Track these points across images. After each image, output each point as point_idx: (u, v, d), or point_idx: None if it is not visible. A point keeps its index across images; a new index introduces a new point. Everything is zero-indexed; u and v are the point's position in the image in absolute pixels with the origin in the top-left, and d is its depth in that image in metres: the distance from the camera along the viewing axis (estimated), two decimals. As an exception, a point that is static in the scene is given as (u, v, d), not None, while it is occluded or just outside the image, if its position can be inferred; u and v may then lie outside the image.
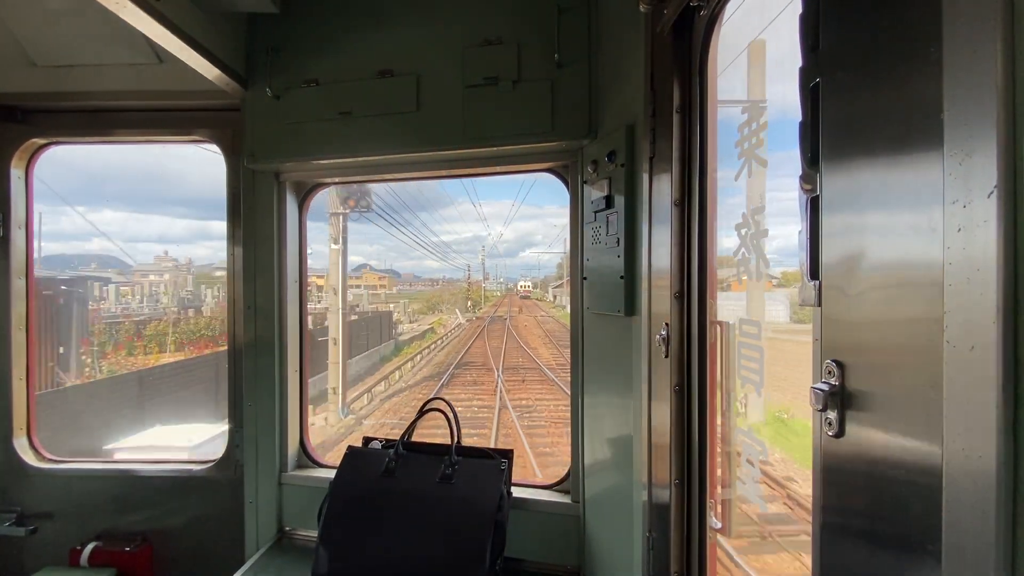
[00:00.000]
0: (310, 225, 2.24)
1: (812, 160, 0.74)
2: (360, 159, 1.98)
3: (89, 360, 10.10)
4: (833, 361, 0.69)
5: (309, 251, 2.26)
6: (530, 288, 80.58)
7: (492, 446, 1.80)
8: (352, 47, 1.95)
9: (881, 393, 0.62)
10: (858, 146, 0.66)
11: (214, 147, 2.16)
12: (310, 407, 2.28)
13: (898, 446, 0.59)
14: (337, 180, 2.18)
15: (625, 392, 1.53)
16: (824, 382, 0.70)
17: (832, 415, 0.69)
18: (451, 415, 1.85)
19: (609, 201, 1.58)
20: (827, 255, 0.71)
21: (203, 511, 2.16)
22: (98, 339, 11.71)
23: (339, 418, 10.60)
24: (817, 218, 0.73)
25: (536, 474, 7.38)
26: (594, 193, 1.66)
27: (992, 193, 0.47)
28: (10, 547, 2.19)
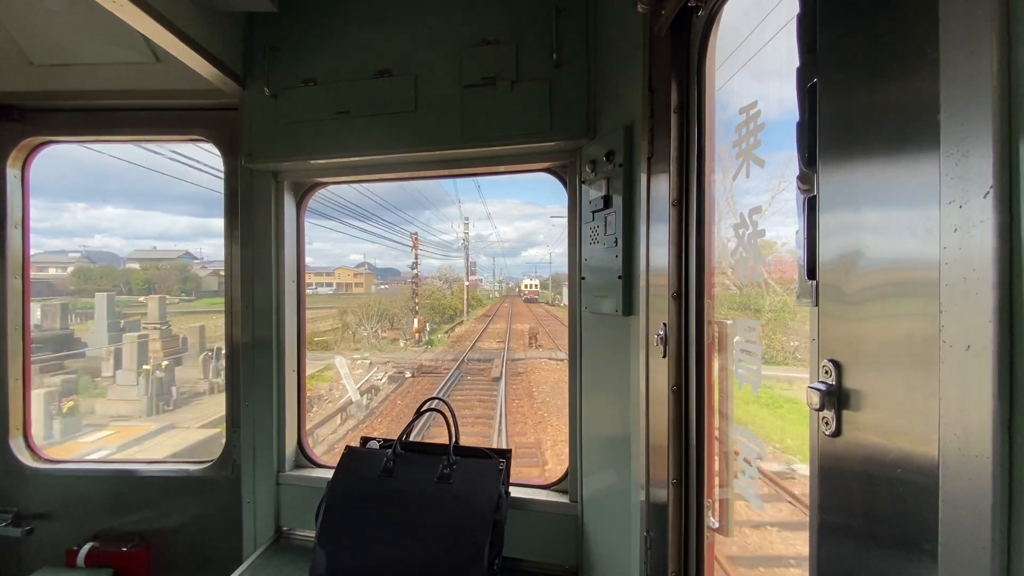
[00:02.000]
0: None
1: (809, 160, 0.74)
2: (358, 159, 1.97)
3: None
4: (830, 360, 0.69)
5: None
6: (537, 288, 70.84)
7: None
8: (350, 47, 1.94)
9: (878, 392, 0.63)
10: (855, 146, 0.66)
11: (211, 147, 2.16)
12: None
13: (895, 445, 0.59)
14: (335, 180, 2.17)
15: (623, 392, 1.53)
16: (821, 381, 0.70)
17: (829, 414, 0.69)
18: (449, 415, 1.85)
19: (607, 201, 1.58)
20: (824, 254, 0.71)
21: (200, 511, 2.16)
22: None
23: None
24: (814, 218, 0.73)
25: None
26: (592, 193, 1.66)
27: (988, 193, 0.47)
28: (6, 548, 2.18)
